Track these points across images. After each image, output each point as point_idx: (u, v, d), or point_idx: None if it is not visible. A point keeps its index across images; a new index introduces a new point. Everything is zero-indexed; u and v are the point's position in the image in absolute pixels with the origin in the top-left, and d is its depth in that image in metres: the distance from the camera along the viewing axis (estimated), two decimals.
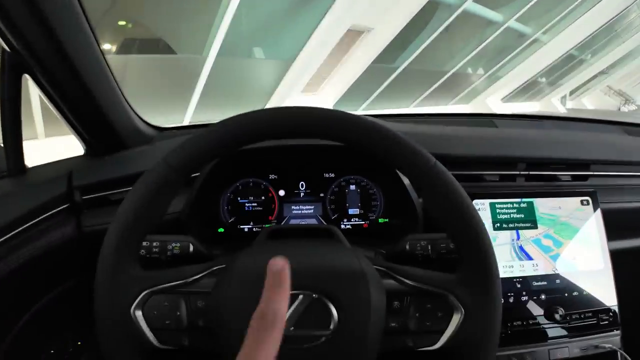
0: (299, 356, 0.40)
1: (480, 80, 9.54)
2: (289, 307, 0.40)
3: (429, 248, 0.57)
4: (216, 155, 0.44)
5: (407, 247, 0.58)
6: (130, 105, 0.82)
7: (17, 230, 0.61)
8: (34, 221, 0.64)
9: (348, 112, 0.45)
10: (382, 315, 0.43)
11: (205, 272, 0.46)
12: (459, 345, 0.44)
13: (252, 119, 0.44)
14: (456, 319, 0.44)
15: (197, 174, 0.70)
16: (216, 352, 0.43)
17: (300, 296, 0.41)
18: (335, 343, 0.40)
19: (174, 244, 0.58)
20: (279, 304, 0.29)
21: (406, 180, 0.71)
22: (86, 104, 0.71)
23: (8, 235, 0.60)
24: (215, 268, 0.47)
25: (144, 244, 0.58)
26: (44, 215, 0.66)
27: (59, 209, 0.68)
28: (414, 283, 0.45)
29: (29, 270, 0.62)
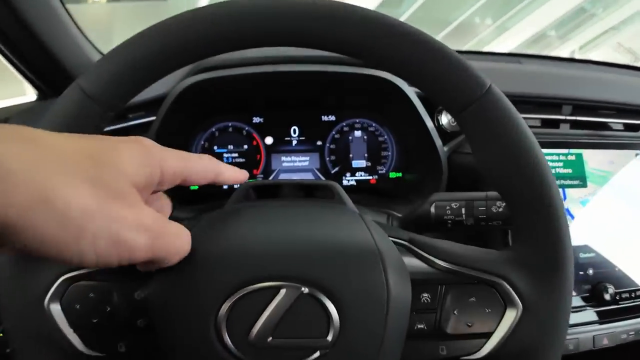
0: None
1: (487, 31, 9.38)
2: (266, 307, 0.27)
3: (463, 212, 0.44)
4: (160, 73, 0.31)
5: (433, 209, 0.44)
6: (81, 31, 0.72)
7: None
8: None
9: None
10: (406, 314, 0.29)
11: None
12: (511, 353, 0.32)
13: (224, 9, 0.29)
14: (510, 317, 0.31)
15: (152, 118, 0.59)
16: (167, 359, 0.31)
17: (283, 290, 0.27)
18: (335, 359, 0.27)
19: None
20: None
21: (429, 123, 0.58)
22: (31, 44, 0.63)
23: None
24: None
25: None
26: None
27: None
28: (451, 266, 0.32)
29: None
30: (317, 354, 0.27)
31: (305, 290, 0.27)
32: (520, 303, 0.31)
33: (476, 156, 0.32)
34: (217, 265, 0.28)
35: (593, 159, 0.64)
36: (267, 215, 0.33)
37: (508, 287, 0.31)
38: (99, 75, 0.30)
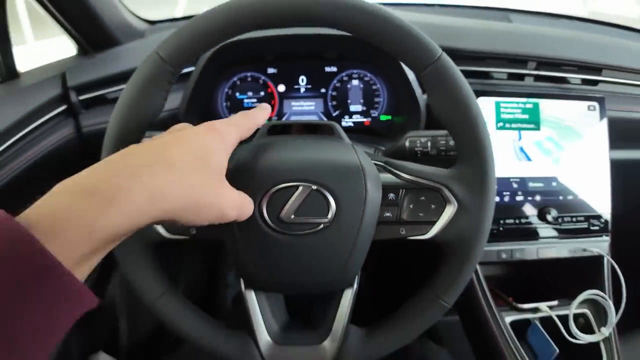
0: (299, 241, 0.42)
1: None
2: (290, 198, 0.42)
3: (429, 145, 0.57)
4: (209, 44, 0.42)
5: (407, 143, 0.58)
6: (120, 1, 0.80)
7: (17, 136, 0.63)
8: (33, 125, 0.65)
9: None
10: (377, 206, 0.44)
11: None
12: (449, 237, 0.46)
13: (247, 5, 0.41)
14: (448, 212, 0.45)
15: (192, 69, 0.68)
16: (218, 239, 0.45)
17: (300, 187, 0.42)
18: (333, 230, 0.42)
19: None
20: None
21: (411, 75, 0.69)
22: (73, 1, 0.70)
23: (9, 142, 0.61)
24: None
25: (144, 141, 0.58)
26: (43, 119, 0.67)
27: (56, 111, 0.69)
28: (410, 177, 0.46)
29: (32, 174, 0.64)
30: (321, 226, 0.42)
31: (315, 187, 0.42)
32: (456, 202, 0.44)
33: (433, 105, 0.45)
34: (260, 174, 0.42)
35: (549, 107, 0.72)
36: (287, 143, 0.47)
37: (447, 192, 0.45)
38: (171, 45, 0.41)
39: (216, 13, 0.41)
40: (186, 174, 0.32)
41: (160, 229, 0.46)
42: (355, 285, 0.48)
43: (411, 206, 0.46)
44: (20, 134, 0.63)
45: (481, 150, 0.43)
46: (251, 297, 0.47)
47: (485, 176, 0.44)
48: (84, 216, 0.26)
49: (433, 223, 0.46)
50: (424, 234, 0.46)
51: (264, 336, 0.47)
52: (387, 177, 0.46)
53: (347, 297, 0.47)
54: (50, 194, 0.27)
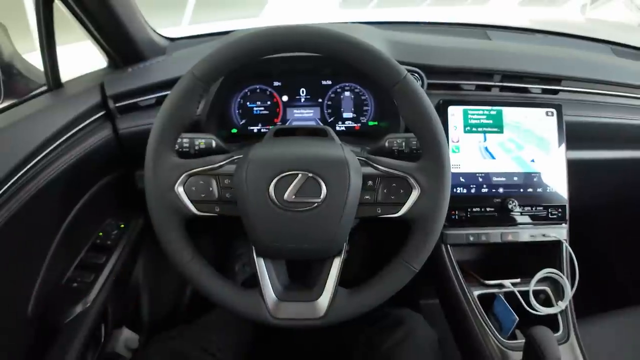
0: (298, 216, 0.55)
1: None
2: (292, 183, 0.55)
3: (403, 144, 0.70)
4: (234, 66, 0.55)
5: (386, 144, 0.71)
6: (145, 20, 0.91)
7: (65, 137, 0.74)
8: (78, 127, 0.76)
9: (333, 29, 0.55)
10: (358, 190, 0.57)
11: (227, 160, 0.60)
12: (414, 215, 0.58)
13: (261, 36, 0.54)
14: (414, 195, 0.58)
15: None
16: (238, 215, 0.58)
17: (299, 175, 0.55)
18: (324, 208, 0.55)
19: (200, 140, 0.71)
20: None
21: None
22: (109, 21, 0.80)
23: (59, 141, 0.72)
24: (235, 157, 0.61)
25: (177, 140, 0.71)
26: (86, 122, 0.78)
27: (96, 116, 0.80)
28: (384, 168, 0.59)
29: (78, 169, 0.75)
30: (315, 205, 0.55)
31: (310, 175, 0.55)
32: (419, 188, 0.57)
33: (401, 114, 0.58)
34: (269, 164, 0.55)
35: (511, 113, 0.84)
36: (290, 142, 0.60)
37: (412, 180, 0.57)
38: (204, 66, 0.55)
39: (239, 42, 0.54)
40: None
41: (192, 207, 0.58)
42: (342, 255, 0.61)
43: (385, 191, 0.59)
44: (67, 134, 0.74)
45: (438, 148, 0.56)
46: (260, 263, 0.61)
47: (442, 168, 0.56)
48: None
49: (402, 204, 0.58)
50: (394, 213, 0.59)
51: (270, 294, 0.60)
52: (367, 169, 0.59)
53: (336, 264, 0.60)
54: None
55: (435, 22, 1.27)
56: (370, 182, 0.59)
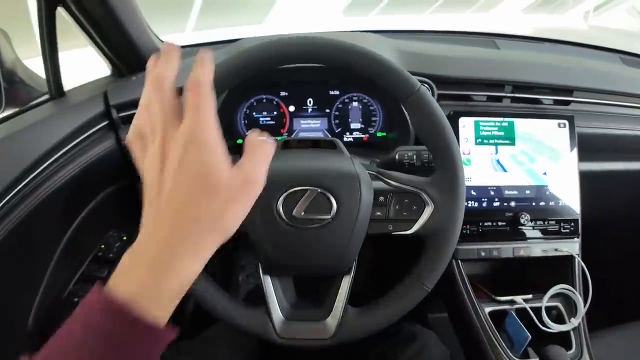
0: (307, 233, 0.54)
1: None
2: (300, 199, 0.53)
3: (414, 157, 0.69)
4: (244, 75, 0.54)
5: (397, 157, 0.69)
6: (149, 27, 0.90)
7: (67, 147, 0.72)
8: (81, 137, 0.75)
9: (344, 40, 0.54)
10: (370, 206, 0.55)
11: None
12: (427, 232, 0.57)
13: (272, 47, 0.53)
14: (427, 212, 0.56)
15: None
16: (245, 232, 0.55)
17: (308, 190, 0.53)
18: (334, 225, 0.54)
19: None
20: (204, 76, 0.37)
21: None
22: (113, 29, 0.79)
23: (62, 151, 0.71)
24: None
25: None
26: (89, 132, 0.76)
27: (100, 125, 0.79)
28: (396, 183, 0.57)
29: (80, 180, 0.73)
30: (325, 222, 0.53)
31: (320, 190, 0.53)
32: (432, 204, 0.56)
33: (414, 126, 0.56)
34: (276, 179, 0.54)
35: (523, 125, 0.82)
36: (297, 155, 0.59)
37: (426, 196, 0.56)
38: (216, 74, 0.54)
39: (250, 52, 0.53)
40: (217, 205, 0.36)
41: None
42: (352, 273, 0.59)
43: (397, 207, 0.57)
44: (70, 144, 0.73)
45: (452, 162, 0.54)
46: (267, 280, 0.59)
47: (456, 182, 0.55)
48: (163, 288, 0.33)
49: (415, 221, 0.57)
50: (407, 230, 0.57)
51: (277, 313, 0.59)
52: (378, 183, 0.58)
53: (346, 283, 0.59)
54: (127, 268, 0.34)
55: (443, 30, 1.26)
56: (381, 198, 0.57)
